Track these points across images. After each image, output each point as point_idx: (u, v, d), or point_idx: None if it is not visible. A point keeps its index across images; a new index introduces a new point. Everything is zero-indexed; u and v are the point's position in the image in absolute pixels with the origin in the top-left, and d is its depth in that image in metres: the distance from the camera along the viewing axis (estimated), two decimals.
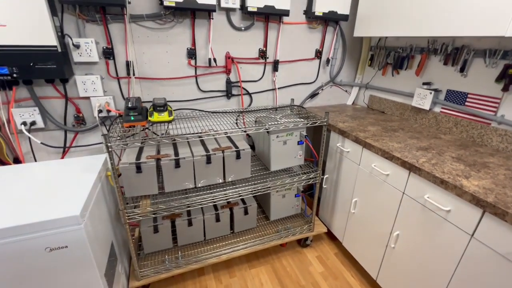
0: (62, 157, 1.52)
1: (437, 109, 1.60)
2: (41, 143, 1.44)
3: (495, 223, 0.88)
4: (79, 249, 0.92)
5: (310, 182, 1.63)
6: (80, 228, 0.90)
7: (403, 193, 1.22)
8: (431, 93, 1.56)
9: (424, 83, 1.62)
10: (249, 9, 1.51)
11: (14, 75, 1.21)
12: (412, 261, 1.22)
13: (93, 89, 1.42)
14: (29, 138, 1.41)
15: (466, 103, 1.44)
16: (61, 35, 1.28)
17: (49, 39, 1.20)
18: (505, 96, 1.28)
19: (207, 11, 1.51)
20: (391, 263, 1.34)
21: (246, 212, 1.65)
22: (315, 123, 1.46)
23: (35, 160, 1.47)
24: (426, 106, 1.60)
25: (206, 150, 1.37)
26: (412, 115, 1.75)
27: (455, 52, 1.44)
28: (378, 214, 1.39)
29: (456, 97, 1.49)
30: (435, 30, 1.29)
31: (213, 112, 1.72)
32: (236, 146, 1.43)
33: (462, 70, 1.43)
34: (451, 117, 1.52)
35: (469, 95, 1.43)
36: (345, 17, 1.78)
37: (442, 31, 1.26)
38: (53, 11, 1.22)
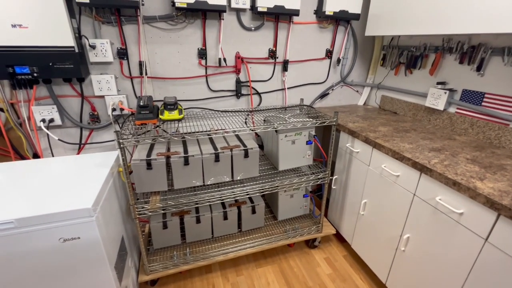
0: (78, 153, 1.59)
1: (452, 109, 1.55)
2: (59, 139, 1.51)
3: (511, 227, 0.85)
4: (91, 241, 0.96)
5: (318, 183, 1.61)
6: (92, 220, 0.93)
7: (414, 194, 1.19)
8: (445, 93, 1.52)
9: (438, 83, 1.58)
10: (259, 9, 1.53)
11: (35, 74, 1.27)
12: (423, 265, 1.18)
13: (107, 88, 1.48)
14: (48, 134, 1.48)
15: (483, 103, 1.39)
16: (78, 36, 1.34)
17: (67, 40, 1.26)
18: None
19: (218, 12, 1.54)
20: (401, 266, 1.30)
21: (253, 211, 1.65)
22: (324, 122, 1.45)
23: (53, 156, 1.54)
24: (440, 107, 1.56)
25: (215, 148, 1.39)
26: (425, 116, 1.70)
27: (472, 51, 1.39)
28: (388, 216, 1.36)
29: (472, 97, 1.44)
30: (450, 28, 1.25)
31: (222, 111, 1.74)
32: (244, 145, 1.44)
33: (478, 69, 1.38)
34: (467, 118, 1.46)
35: (486, 95, 1.38)
36: (356, 16, 1.76)
37: (457, 29, 1.22)
38: (71, 14, 1.28)
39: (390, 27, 1.58)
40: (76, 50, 1.29)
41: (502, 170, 1.06)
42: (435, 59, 1.58)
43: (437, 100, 1.57)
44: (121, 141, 1.11)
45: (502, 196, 0.88)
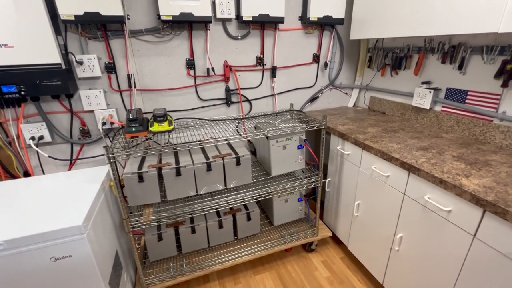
0: (69, 169, 1.58)
1: (438, 108, 1.58)
2: (49, 156, 1.50)
3: (496, 223, 0.86)
4: (83, 258, 0.95)
5: (312, 186, 1.63)
6: (83, 237, 0.93)
7: (404, 194, 1.21)
8: (430, 92, 1.55)
9: (423, 82, 1.61)
10: (244, 18, 1.55)
11: (22, 92, 1.27)
12: (417, 263, 1.19)
13: (96, 102, 1.48)
14: (37, 152, 1.47)
15: (467, 101, 1.42)
16: (65, 53, 1.35)
17: (54, 57, 1.26)
18: (505, 92, 1.26)
19: (204, 23, 1.56)
20: (397, 266, 1.32)
21: (249, 218, 1.66)
22: (313, 127, 1.47)
23: (43, 173, 1.53)
24: (426, 105, 1.59)
25: (207, 157, 1.40)
26: (413, 115, 1.74)
27: (452, 50, 1.43)
28: (381, 216, 1.37)
29: (456, 95, 1.47)
30: (428, 30, 1.29)
31: (213, 120, 1.75)
32: (236, 153, 1.45)
33: (460, 67, 1.42)
34: (452, 116, 1.49)
35: (469, 93, 1.41)
36: (340, 21, 1.79)
37: (435, 30, 1.26)
38: (57, 31, 1.29)
39: (373, 31, 1.62)
40: (63, 67, 1.30)
41: (487, 166, 1.09)
42: (419, 60, 1.62)
43: (423, 99, 1.60)
44: (110, 155, 1.11)
45: (487, 192, 0.90)
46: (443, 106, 1.55)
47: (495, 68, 1.27)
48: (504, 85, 1.23)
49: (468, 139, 1.40)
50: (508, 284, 0.86)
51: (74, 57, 1.36)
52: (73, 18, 1.24)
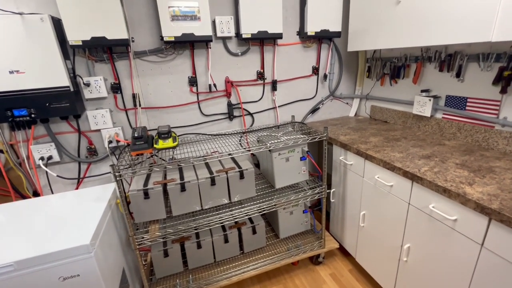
0: (77, 188, 1.61)
1: (439, 115, 1.59)
2: (57, 175, 1.54)
3: (503, 231, 0.85)
4: (91, 277, 0.96)
5: (316, 197, 1.62)
6: (91, 256, 0.94)
7: (409, 203, 1.20)
8: (430, 100, 1.56)
9: (422, 91, 1.63)
10: (244, 36, 1.61)
11: (32, 115, 1.33)
12: (426, 275, 1.17)
13: (103, 122, 1.53)
14: (46, 172, 1.51)
15: (467, 108, 1.43)
16: (73, 76, 1.41)
17: (63, 80, 1.32)
18: (504, 98, 1.26)
19: (205, 42, 1.61)
20: (406, 277, 1.29)
21: (254, 232, 1.65)
22: (315, 138, 1.48)
23: (52, 192, 1.56)
24: (427, 113, 1.60)
25: (210, 172, 1.42)
26: (414, 123, 1.74)
27: (449, 59, 1.45)
28: (387, 226, 1.36)
29: (456, 102, 1.48)
30: (423, 40, 1.31)
31: (216, 135, 1.78)
32: (239, 167, 1.47)
33: (458, 75, 1.43)
34: (454, 123, 1.50)
35: (468, 100, 1.42)
36: (337, 34, 1.84)
37: (430, 40, 1.28)
38: (65, 56, 1.36)
39: (370, 42, 1.65)
40: (71, 89, 1.35)
41: (491, 173, 1.08)
42: (417, 69, 1.64)
43: (423, 107, 1.61)
44: (117, 174, 1.14)
45: (491, 200, 0.89)
46: (444, 113, 1.56)
47: (493, 75, 1.28)
48: (503, 91, 1.24)
49: (471, 145, 1.39)
50: None
51: (82, 79, 1.42)
52: (80, 43, 1.31)
